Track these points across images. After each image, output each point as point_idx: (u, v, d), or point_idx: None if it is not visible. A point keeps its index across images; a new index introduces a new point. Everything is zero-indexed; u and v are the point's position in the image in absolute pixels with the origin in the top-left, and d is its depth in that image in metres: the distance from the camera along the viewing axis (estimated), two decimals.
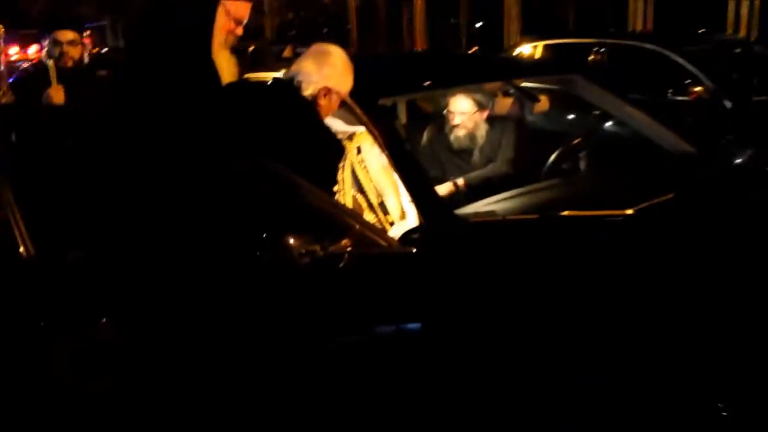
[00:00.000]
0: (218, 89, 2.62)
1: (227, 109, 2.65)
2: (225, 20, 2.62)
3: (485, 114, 3.71)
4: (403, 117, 4.20)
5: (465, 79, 3.12)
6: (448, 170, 3.78)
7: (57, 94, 3.87)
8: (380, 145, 2.65)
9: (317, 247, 2.13)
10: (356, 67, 2.76)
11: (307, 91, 2.62)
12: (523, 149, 3.70)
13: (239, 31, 2.69)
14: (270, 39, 18.82)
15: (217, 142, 2.36)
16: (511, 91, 3.09)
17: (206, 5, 2.59)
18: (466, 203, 2.79)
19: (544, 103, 3.08)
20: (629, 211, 2.46)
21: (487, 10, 17.72)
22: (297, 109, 2.63)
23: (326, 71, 2.62)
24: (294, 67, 2.70)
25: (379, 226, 2.98)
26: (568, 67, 3.74)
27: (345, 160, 3.00)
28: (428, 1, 14.68)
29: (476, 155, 3.76)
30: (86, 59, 4.24)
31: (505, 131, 3.74)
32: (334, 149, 2.75)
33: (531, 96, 3.03)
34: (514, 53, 7.92)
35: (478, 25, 15.04)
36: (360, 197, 3.08)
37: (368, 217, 3.03)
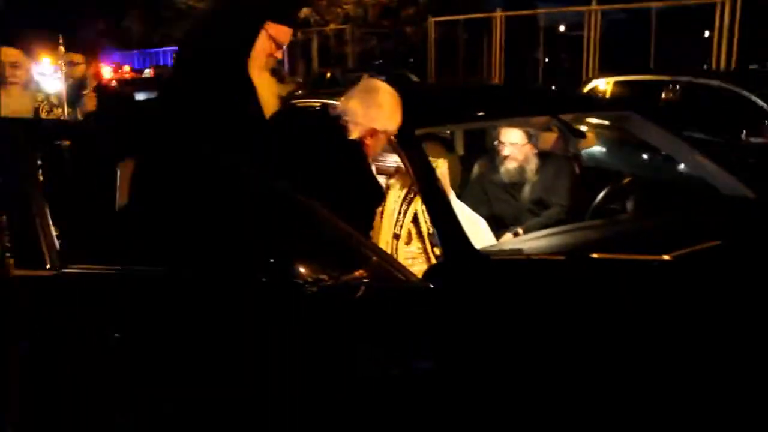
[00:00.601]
0: (257, 109, 2.65)
1: (273, 135, 2.67)
2: (266, 43, 2.66)
3: (535, 149, 3.60)
4: (460, 149, 4.15)
5: (507, 111, 3.02)
6: (496, 205, 3.68)
7: (90, 102, 4.24)
8: (411, 176, 2.59)
9: (326, 276, 2.08)
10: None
11: (354, 134, 2.60)
12: (576, 190, 3.56)
13: (279, 54, 2.72)
14: (351, 67, 19.08)
15: (254, 163, 2.36)
16: (557, 125, 2.97)
17: (250, 26, 2.63)
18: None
19: (590, 140, 2.96)
20: (666, 257, 2.32)
21: (568, 45, 17.54)
22: (342, 151, 2.61)
23: (373, 113, 2.58)
24: (341, 105, 2.66)
25: (421, 256, 2.91)
26: (625, 104, 3.59)
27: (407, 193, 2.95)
28: (508, 34, 14.58)
29: (526, 191, 3.64)
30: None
31: (560, 172, 3.60)
32: (372, 193, 2.71)
33: (576, 132, 2.92)
34: (588, 89, 7.76)
35: (539, 57, 14.81)
36: (412, 226, 3.01)
37: (415, 245, 2.94)
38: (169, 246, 2.36)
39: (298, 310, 2.13)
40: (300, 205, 2.21)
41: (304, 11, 20.81)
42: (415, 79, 15.52)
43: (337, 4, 20.22)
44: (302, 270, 2.08)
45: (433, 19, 16.71)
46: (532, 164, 3.60)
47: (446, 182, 3.11)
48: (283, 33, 2.69)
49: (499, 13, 14.67)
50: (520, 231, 3.39)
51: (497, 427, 1.99)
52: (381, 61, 21.67)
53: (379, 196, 2.73)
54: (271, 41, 2.67)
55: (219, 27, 2.66)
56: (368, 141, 2.61)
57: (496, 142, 3.64)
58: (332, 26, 21.17)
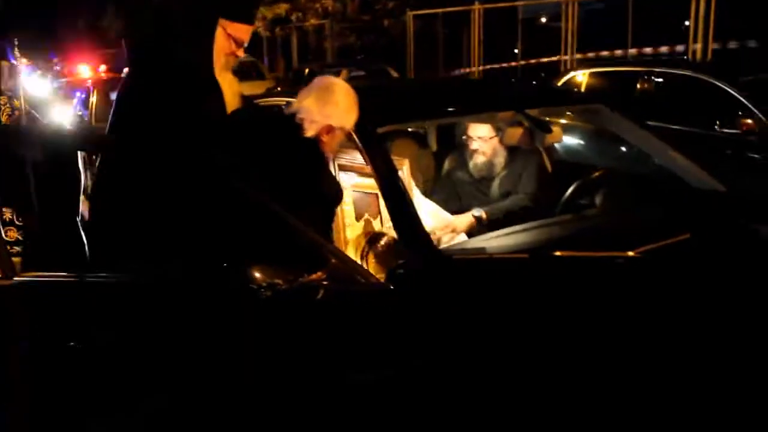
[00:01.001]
0: (219, 107, 2.60)
1: (231, 134, 2.62)
2: (225, 42, 2.63)
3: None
4: (433, 144, 4.09)
5: (471, 107, 2.97)
6: (466, 199, 3.63)
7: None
8: (373, 174, 2.53)
9: (280, 281, 2.02)
10: (360, 94, 2.67)
11: (310, 132, 2.56)
12: (545, 182, 3.53)
13: (240, 53, 2.69)
14: (330, 62, 18.98)
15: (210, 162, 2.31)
16: (523, 120, 2.92)
17: (203, 25, 2.58)
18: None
19: (557, 134, 2.91)
20: (630, 253, 2.28)
21: (547, 36, 17.51)
22: (297, 149, 2.56)
23: (328, 110, 2.55)
24: (296, 104, 2.63)
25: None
26: (592, 97, 3.55)
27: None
28: (487, 27, 14.54)
29: (495, 185, 3.60)
30: None
31: (527, 163, 3.56)
32: (330, 191, 2.66)
33: (543, 126, 2.87)
34: (564, 80, 7.74)
35: (516, 50, 14.78)
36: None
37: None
38: (125, 251, 2.31)
39: (252, 315, 2.07)
40: (256, 205, 2.15)
41: (283, 7, 20.68)
42: (394, 73, 15.41)
43: (315, 0, 20.10)
44: (257, 274, 2.02)
45: (411, 13, 16.65)
46: (501, 158, 3.56)
47: (409, 182, 3.07)
48: (241, 31, 2.65)
49: (477, 6, 14.64)
50: (483, 214, 3.36)
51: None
52: (362, 56, 21.59)
53: (336, 193, 2.68)
54: (230, 40, 2.63)
55: (172, 26, 2.62)
56: (324, 138, 2.58)
57: (464, 137, 3.60)
58: (312, 21, 21.06)
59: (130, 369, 2.20)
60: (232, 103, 2.73)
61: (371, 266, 2.23)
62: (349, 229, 2.83)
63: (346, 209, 2.84)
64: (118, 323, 2.21)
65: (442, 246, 2.78)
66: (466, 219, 3.36)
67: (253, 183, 2.32)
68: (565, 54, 12.46)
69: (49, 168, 2.72)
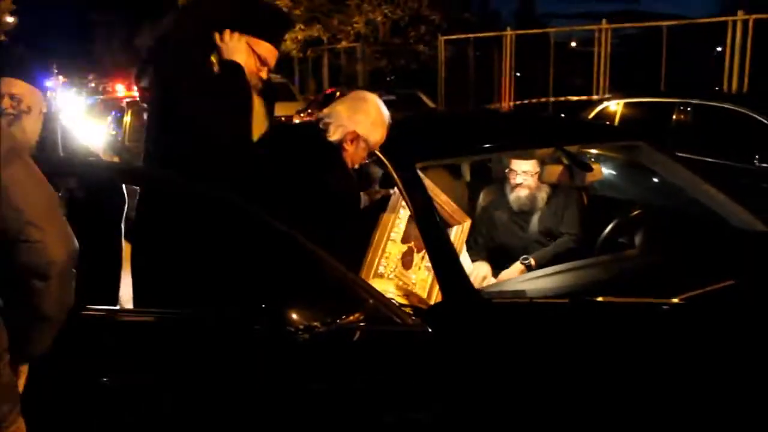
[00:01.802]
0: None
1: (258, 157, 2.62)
2: (250, 59, 2.63)
3: None
4: (467, 175, 4.06)
5: (511, 143, 2.94)
6: (503, 234, 3.59)
7: None
8: (410, 210, 2.51)
9: (318, 323, 1.99)
10: (398, 128, 2.67)
11: (335, 135, 2.58)
12: (587, 221, 3.46)
13: (264, 74, 2.70)
14: (361, 85, 19.06)
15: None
16: (563, 157, 2.88)
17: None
18: None
19: (597, 173, 2.86)
20: (675, 300, 2.22)
21: (579, 60, 17.45)
22: (318, 151, 2.58)
23: (357, 117, 2.58)
24: (327, 110, 2.66)
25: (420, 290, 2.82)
26: (634, 133, 3.49)
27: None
28: (518, 53, 14.51)
29: (534, 220, 3.54)
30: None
31: (569, 200, 3.50)
32: (351, 195, 2.66)
33: (583, 165, 2.83)
34: (597, 111, 7.67)
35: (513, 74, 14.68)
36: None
37: (420, 275, 2.84)
38: (159, 289, 2.30)
39: (290, 359, 2.05)
40: (295, 244, 2.13)
41: (316, 28, 20.85)
42: (426, 99, 15.41)
43: (347, 23, 20.24)
44: (294, 316, 2.00)
45: (443, 38, 16.69)
46: (543, 193, 3.50)
47: (461, 240, 3.01)
48: (266, 51, 2.66)
49: (509, 32, 14.62)
50: (533, 261, 3.29)
51: None
52: (392, 77, 21.66)
53: (355, 196, 2.67)
54: (254, 57, 2.63)
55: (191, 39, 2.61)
56: (347, 146, 2.58)
57: (506, 170, 3.55)
58: (343, 44, 21.21)
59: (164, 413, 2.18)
60: (256, 123, 2.72)
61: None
62: (391, 243, 2.80)
63: (399, 224, 2.80)
64: (154, 362, 2.19)
65: (482, 287, 2.74)
66: (515, 269, 3.28)
67: (280, 201, 2.33)
68: (598, 81, 12.37)
69: (86, 197, 2.71)
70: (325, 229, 2.30)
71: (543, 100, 12.73)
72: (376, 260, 2.72)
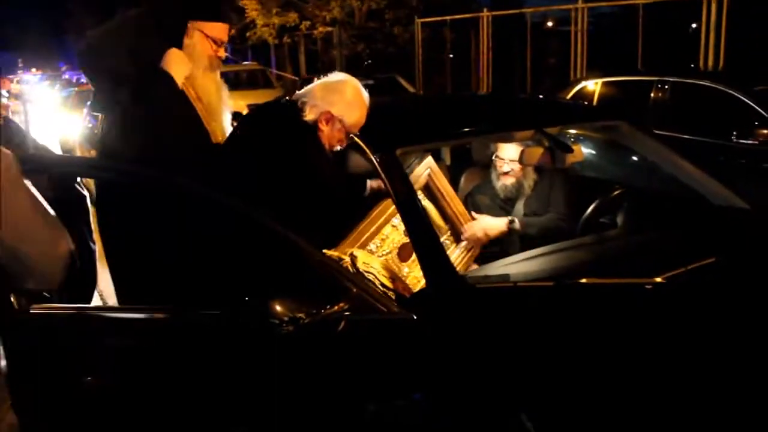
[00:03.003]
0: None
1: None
2: (204, 44, 2.65)
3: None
4: (447, 159, 4.04)
5: (490, 127, 2.92)
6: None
7: None
8: (392, 198, 2.49)
9: (303, 314, 1.97)
10: (377, 113, 2.64)
11: (310, 115, 2.57)
12: (571, 202, 3.44)
13: (221, 53, 2.74)
14: (338, 71, 18.92)
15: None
16: (543, 139, 2.86)
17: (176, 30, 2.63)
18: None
19: (577, 154, 2.85)
20: (658, 279, 2.23)
21: (556, 40, 17.46)
22: (294, 130, 2.57)
23: (332, 97, 2.57)
24: (303, 90, 2.65)
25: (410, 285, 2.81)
26: (614, 113, 3.49)
27: None
28: (495, 34, 14.49)
29: (520, 206, 3.52)
30: None
31: (554, 184, 3.48)
32: (328, 179, 2.64)
33: (563, 146, 2.82)
34: (575, 90, 7.68)
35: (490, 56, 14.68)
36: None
37: (416, 272, 2.81)
38: (138, 284, 2.27)
39: (274, 352, 2.03)
40: (276, 235, 2.10)
41: (292, 16, 20.65)
42: (404, 83, 15.35)
43: (323, 8, 20.06)
44: (278, 308, 1.98)
45: (419, 20, 16.61)
46: (530, 180, 3.47)
47: (441, 178, 3.02)
48: (217, 29, 2.71)
49: (486, 13, 14.59)
50: (518, 225, 3.28)
51: None
52: (370, 61, 21.52)
53: (336, 182, 2.65)
54: (208, 41, 2.67)
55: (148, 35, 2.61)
56: (323, 126, 2.57)
57: (493, 157, 3.52)
58: (320, 29, 21.03)
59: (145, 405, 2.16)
60: (218, 103, 2.74)
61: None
62: (391, 228, 2.80)
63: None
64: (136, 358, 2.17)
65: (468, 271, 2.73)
66: (500, 223, 3.27)
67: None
68: (575, 60, 12.38)
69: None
70: (301, 210, 2.29)
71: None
72: (367, 234, 2.71)
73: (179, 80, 2.62)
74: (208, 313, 2.10)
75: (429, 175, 3.08)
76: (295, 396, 2.07)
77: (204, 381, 2.10)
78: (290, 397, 2.07)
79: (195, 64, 2.64)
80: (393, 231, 2.82)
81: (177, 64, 2.61)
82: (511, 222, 3.28)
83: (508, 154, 3.42)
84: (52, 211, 1.70)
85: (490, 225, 3.23)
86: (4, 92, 15.29)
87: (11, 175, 1.57)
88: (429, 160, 3.08)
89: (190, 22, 2.66)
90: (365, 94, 2.64)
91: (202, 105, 2.69)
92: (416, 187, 2.90)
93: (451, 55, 16.74)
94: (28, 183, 1.65)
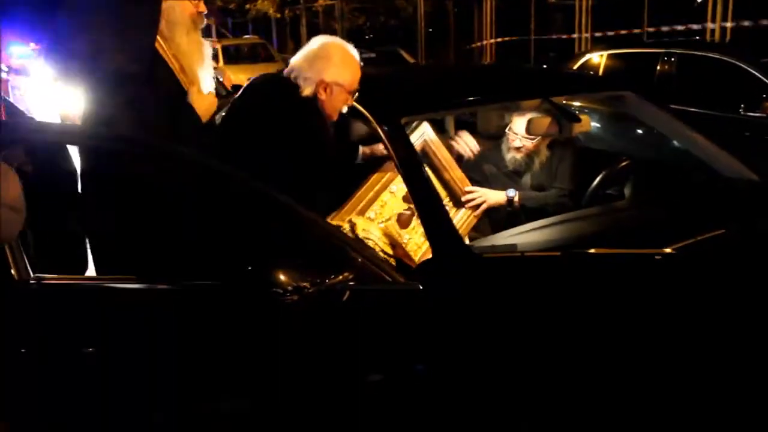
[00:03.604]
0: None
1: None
2: (184, 4, 2.51)
3: (547, 140, 3.41)
4: (451, 130, 4.00)
5: (496, 96, 2.87)
6: (492, 189, 3.52)
7: None
8: (396, 167, 2.45)
9: (307, 284, 1.94)
10: (382, 82, 2.60)
11: (306, 89, 2.50)
12: (577, 176, 3.39)
13: (202, 7, 2.58)
14: None
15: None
16: (549, 108, 2.82)
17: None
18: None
19: (585, 124, 2.80)
20: (667, 250, 2.19)
21: (560, 13, 17.29)
22: (292, 106, 2.50)
23: (319, 65, 2.50)
24: (291, 65, 2.59)
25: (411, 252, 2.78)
26: (621, 83, 3.43)
27: None
28: (498, 5, 14.36)
29: (527, 178, 3.46)
30: None
31: (563, 158, 3.40)
32: (333, 152, 2.59)
33: (570, 115, 2.77)
34: (581, 62, 7.59)
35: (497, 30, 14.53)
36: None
37: (416, 239, 2.78)
38: (137, 255, 2.24)
39: (277, 321, 2.00)
40: (278, 204, 2.07)
41: None
42: (406, 56, 15.25)
43: None
44: (282, 277, 1.94)
45: None
46: (542, 156, 3.41)
47: (438, 145, 2.95)
48: None
49: None
50: (516, 198, 3.22)
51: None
52: (372, 35, 21.38)
53: (342, 154, 2.60)
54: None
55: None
56: (322, 96, 2.51)
57: (507, 129, 3.45)
58: (321, 2, 20.88)
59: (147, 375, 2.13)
60: (200, 63, 2.60)
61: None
62: (389, 195, 2.76)
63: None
64: (136, 327, 2.14)
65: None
66: (499, 195, 3.21)
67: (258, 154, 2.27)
68: (579, 33, 12.27)
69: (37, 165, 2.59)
70: (302, 181, 2.25)
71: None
72: (365, 201, 2.67)
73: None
74: (209, 283, 2.06)
75: (425, 141, 3.02)
76: (299, 366, 2.04)
77: (206, 352, 2.08)
78: (293, 368, 2.04)
79: (177, 27, 2.49)
80: (391, 197, 2.79)
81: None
82: (511, 194, 3.24)
83: (522, 129, 3.36)
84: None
85: (490, 194, 3.18)
86: (3, 67, 15.14)
87: None
88: (424, 126, 3.02)
89: None
90: (351, 49, 2.57)
91: (185, 76, 2.56)
92: None
93: (454, 28, 16.60)
94: None
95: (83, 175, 2.54)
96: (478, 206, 3.09)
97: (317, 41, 2.60)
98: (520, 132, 3.34)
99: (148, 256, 2.22)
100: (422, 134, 3.01)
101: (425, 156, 3.04)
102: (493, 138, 3.56)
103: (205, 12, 2.60)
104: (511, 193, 3.22)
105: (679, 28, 11.78)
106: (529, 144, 3.35)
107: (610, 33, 11.83)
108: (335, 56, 2.51)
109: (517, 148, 3.39)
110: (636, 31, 11.60)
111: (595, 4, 12.83)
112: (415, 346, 2.03)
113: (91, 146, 2.45)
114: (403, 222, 2.78)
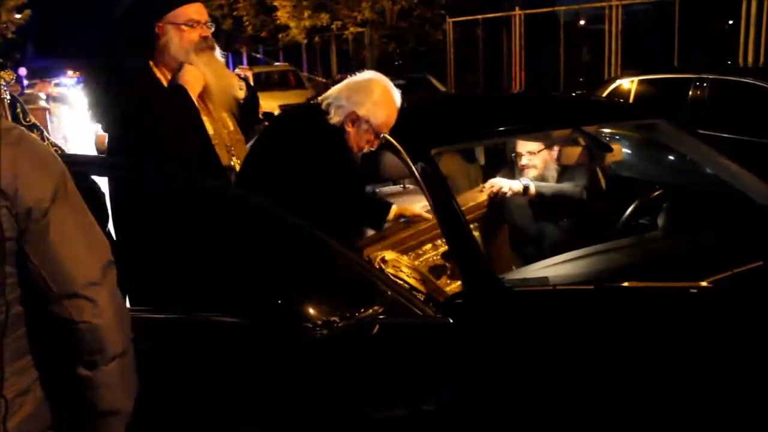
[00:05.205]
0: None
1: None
2: (181, 33, 2.53)
3: (555, 152, 3.42)
4: (481, 158, 3.99)
5: (526, 126, 2.86)
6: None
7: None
8: (426, 197, 2.44)
9: (337, 318, 1.93)
10: (411, 112, 2.59)
11: (335, 118, 2.48)
12: (598, 199, 3.38)
13: (206, 31, 2.59)
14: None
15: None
16: (582, 138, 2.80)
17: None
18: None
19: (617, 153, 2.78)
20: (703, 283, 2.15)
21: (589, 39, 17.24)
22: (319, 134, 2.48)
23: (357, 97, 2.47)
24: (329, 91, 2.58)
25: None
26: (653, 111, 3.40)
27: None
28: (528, 32, 14.37)
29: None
30: None
31: (580, 175, 3.41)
32: (353, 179, 2.58)
33: (602, 145, 2.74)
34: (611, 89, 7.54)
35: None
36: None
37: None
38: (168, 287, 2.25)
39: (306, 356, 2.00)
40: (309, 237, 2.07)
41: (324, 17, 20.67)
42: (436, 82, 15.28)
43: (355, 9, 20.03)
44: (311, 311, 1.94)
45: (451, 20, 16.54)
46: (553, 171, 3.43)
47: None
48: (192, 12, 2.56)
49: (518, 12, 14.47)
50: (532, 187, 3.28)
51: None
52: (401, 61, 21.47)
53: (357, 180, 2.60)
54: (183, 29, 2.53)
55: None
56: (349, 128, 2.47)
57: (513, 154, 3.47)
58: (351, 30, 21.04)
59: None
60: (214, 81, 2.61)
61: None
62: (430, 246, 2.76)
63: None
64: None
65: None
66: (515, 183, 3.29)
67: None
68: (609, 58, 12.22)
69: None
70: (328, 213, 2.24)
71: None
72: (406, 245, 2.66)
73: (194, 94, 2.53)
74: (237, 319, 2.06)
75: None
76: (328, 400, 2.03)
77: (234, 385, 2.07)
78: (323, 401, 2.03)
79: (181, 55, 2.52)
80: (432, 249, 2.78)
81: (194, 79, 2.53)
82: (525, 184, 3.29)
83: (525, 147, 3.40)
84: None
85: (504, 183, 3.28)
86: (42, 95, 15.51)
87: None
88: None
89: (157, 25, 2.53)
90: (395, 92, 2.53)
91: (205, 103, 2.59)
92: None
93: (483, 55, 16.63)
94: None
95: (114, 209, 2.58)
96: (496, 194, 3.19)
97: (366, 74, 2.57)
98: (522, 150, 3.38)
99: (177, 288, 2.23)
100: None
101: None
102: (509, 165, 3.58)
103: (208, 35, 2.59)
104: (526, 181, 3.30)
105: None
106: (536, 158, 3.41)
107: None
108: (376, 93, 2.47)
109: (524, 166, 3.42)
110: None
111: (625, 28, 12.79)
112: (446, 380, 2.01)
113: (118, 177, 2.48)
114: (435, 272, 2.77)
